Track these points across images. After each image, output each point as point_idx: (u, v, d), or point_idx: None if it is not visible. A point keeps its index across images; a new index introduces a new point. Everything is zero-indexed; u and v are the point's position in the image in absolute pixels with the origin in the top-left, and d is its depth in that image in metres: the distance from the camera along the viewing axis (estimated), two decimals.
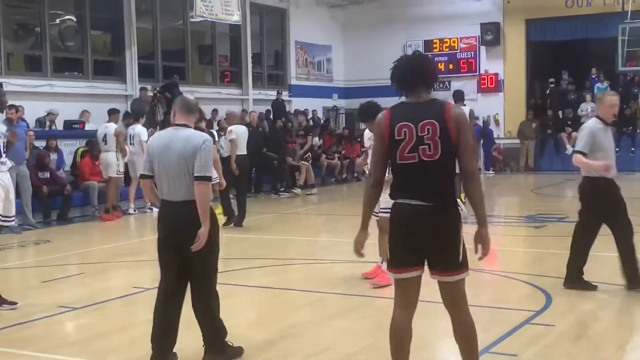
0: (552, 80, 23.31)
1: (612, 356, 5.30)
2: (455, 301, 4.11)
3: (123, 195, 14.64)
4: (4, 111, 11.31)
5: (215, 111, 18.97)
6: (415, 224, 4.00)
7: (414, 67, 4.10)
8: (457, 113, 3.99)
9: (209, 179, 4.99)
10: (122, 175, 14.45)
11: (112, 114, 14.76)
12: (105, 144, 14.21)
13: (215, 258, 5.17)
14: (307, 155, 18.84)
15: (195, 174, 4.93)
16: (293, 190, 18.02)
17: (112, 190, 14.12)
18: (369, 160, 7.77)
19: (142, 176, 5.26)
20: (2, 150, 7.33)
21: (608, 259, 7.65)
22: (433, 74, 4.14)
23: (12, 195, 7.48)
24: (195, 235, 4.89)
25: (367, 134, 7.91)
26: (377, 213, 7.42)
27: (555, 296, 6.84)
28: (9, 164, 7.57)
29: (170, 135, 5.11)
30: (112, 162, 14.15)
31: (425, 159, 3.95)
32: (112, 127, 14.32)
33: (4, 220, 7.47)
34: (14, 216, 7.64)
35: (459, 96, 12.95)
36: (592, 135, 6.78)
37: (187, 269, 5.06)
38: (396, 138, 3.99)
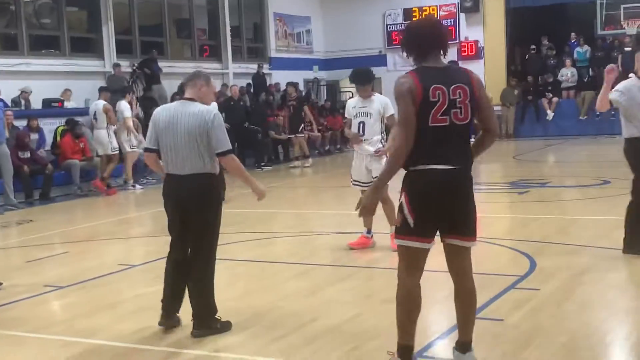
0: (533, 47, 23.26)
1: (597, 318, 5.34)
2: (464, 268, 4.18)
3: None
4: None
5: None
6: (445, 189, 3.97)
7: (432, 32, 4.10)
8: (477, 77, 4.13)
9: (231, 150, 5.17)
10: (118, 152, 14.43)
11: (102, 91, 14.80)
12: (96, 121, 14.24)
13: (216, 234, 5.28)
14: (302, 127, 18.75)
15: (218, 151, 5.09)
16: (304, 164, 18.04)
17: (109, 166, 14.23)
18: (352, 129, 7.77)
19: (147, 149, 5.34)
20: None
21: (589, 222, 7.73)
22: (447, 39, 4.20)
23: None
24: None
25: (351, 102, 7.88)
26: (366, 183, 7.45)
27: (540, 261, 6.90)
28: None
29: (176, 109, 5.18)
30: (104, 140, 14.19)
31: (456, 122, 3.97)
32: (102, 103, 14.31)
33: None
34: None
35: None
36: (624, 91, 6.73)
37: (192, 240, 5.21)
38: (431, 100, 3.92)
